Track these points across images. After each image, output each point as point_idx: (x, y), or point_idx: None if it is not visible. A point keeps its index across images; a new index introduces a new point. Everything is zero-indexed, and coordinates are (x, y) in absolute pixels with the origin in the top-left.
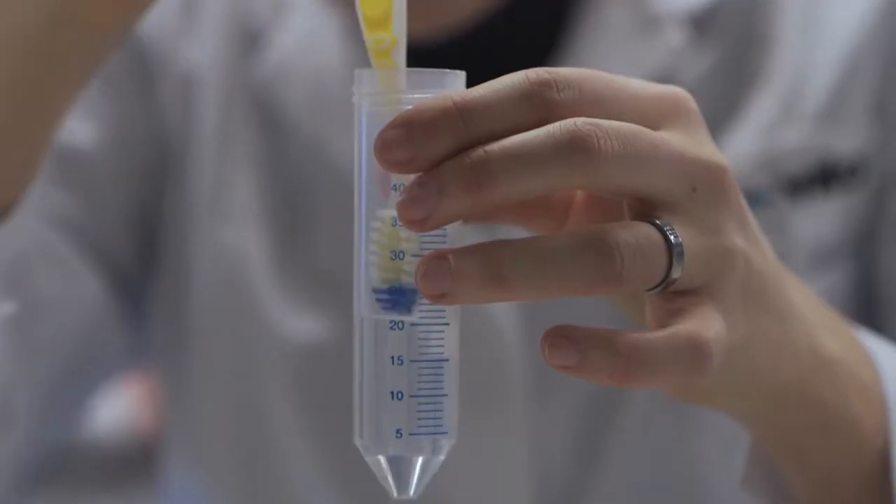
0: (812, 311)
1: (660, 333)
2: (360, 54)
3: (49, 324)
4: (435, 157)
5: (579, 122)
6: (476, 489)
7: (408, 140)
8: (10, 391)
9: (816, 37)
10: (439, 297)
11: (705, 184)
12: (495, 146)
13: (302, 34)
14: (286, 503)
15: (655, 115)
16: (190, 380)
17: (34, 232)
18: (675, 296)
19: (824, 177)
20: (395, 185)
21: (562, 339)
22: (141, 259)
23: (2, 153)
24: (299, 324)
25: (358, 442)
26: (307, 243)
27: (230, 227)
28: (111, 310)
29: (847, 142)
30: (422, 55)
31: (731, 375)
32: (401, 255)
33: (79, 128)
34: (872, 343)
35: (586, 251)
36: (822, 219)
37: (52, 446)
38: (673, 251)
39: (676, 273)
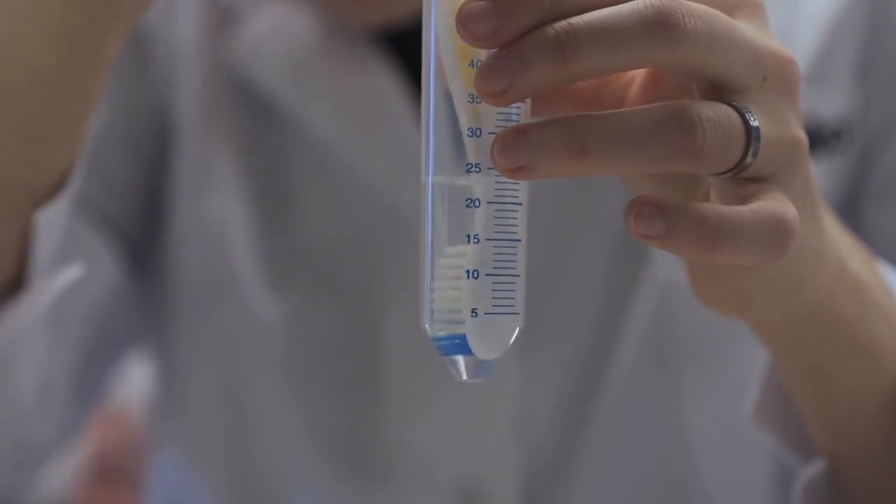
0: (838, 233)
1: (745, 207)
2: (333, 34)
3: (76, 301)
4: (518, 31)
5: None
6: (462, 449)
7: (492, 13)
8: (50, 368)
9: (799, 1)
10: (516, 171)
11: (776, 74)
12: (580, 19)
13: (275, 13)
14: (271, 480)
15: (729, 4)
16: (174, 353)
17: None
18: (745, 182)
19: (809, 141)
20: (472, 62)
21: (649, 206)
22: (147, 234)
23: (53, 108)
24: (279, 300)
25: (427, 325)
26: (288, 219)
27: (213, 202)
28: (124, 286)
29: (831, 106)
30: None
31: (779, 277)
32: (477, 132)
33: None
34: (889, 274)
35: (668, 123)
36: None
37: (76, 429)
38: (751, 134)
39: (751, 157)
